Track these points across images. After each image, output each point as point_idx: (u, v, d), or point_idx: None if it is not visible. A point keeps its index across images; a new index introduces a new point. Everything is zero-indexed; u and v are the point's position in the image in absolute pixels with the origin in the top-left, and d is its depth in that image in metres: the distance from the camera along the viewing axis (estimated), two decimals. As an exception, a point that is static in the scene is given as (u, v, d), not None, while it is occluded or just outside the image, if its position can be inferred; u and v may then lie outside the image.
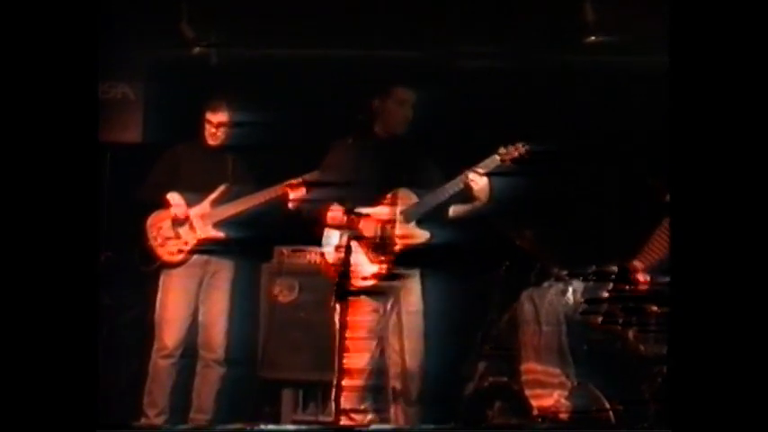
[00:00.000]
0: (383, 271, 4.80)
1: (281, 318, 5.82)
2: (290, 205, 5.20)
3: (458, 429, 5.04)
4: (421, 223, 4.88)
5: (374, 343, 4.82)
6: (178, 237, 5.49)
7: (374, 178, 4.84)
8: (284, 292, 5.85)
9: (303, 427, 5.47)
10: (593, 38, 5.87)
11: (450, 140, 5.66)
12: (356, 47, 5.98)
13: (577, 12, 5.74)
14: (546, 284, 5.20)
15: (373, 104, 4.99)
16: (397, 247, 4.82)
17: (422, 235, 4.86)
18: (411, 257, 4.86)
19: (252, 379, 5.82)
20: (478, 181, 4.83)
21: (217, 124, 5.57)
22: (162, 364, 5.48)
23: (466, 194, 4.86)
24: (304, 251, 5.75)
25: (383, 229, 4.83)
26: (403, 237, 4.83)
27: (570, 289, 5.14)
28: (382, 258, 4.80)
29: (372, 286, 4.76)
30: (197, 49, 6.14)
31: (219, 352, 5.55)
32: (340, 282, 4.47)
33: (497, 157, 4.86)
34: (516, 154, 4.86)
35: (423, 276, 4.98)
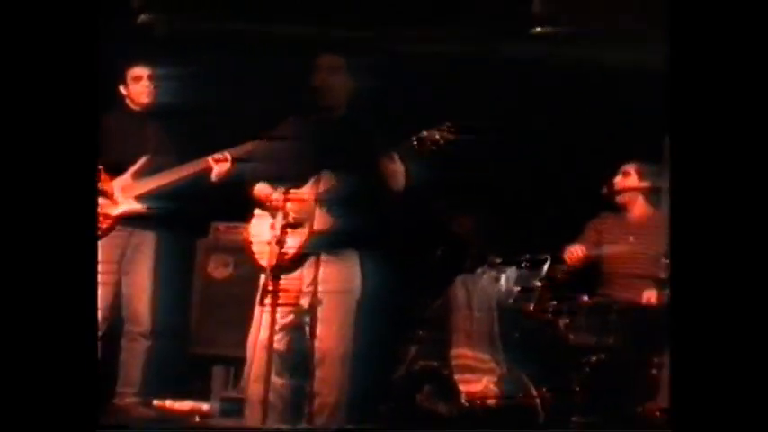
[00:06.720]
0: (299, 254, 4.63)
1: (214, 294, 5.79)
2: (214, 179, 5.14)
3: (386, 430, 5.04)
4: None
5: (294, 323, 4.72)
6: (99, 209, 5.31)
7: (306, 158, 4.71)
8: (219, 269, 5.82)
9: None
10: (539, 29, 5.89)
11: (392, 124, 5.60)
12: (304, 24, 5.93)
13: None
14: (480, 271, 5.24)
15: (313, 81, 4.84)
16: (308, 231, 4.64)
17: (328, 221, 4.65)
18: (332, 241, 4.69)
19: (183, 354, 5.78)
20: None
21: (147, 77, 5.41)
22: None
23: (381, 180, 4.64)
24: (240, 228, 5.69)
25: (302, 211, 4.62)
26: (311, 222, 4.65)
27: (503, 276, 5.20)
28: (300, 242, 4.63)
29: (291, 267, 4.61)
30: (142, 18, 6.05)
31: (146, 325, 5.46)
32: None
33: (413, 142, 4.60)
34: (437, 137, 4.57)
35: (361, 259, 4.84)
